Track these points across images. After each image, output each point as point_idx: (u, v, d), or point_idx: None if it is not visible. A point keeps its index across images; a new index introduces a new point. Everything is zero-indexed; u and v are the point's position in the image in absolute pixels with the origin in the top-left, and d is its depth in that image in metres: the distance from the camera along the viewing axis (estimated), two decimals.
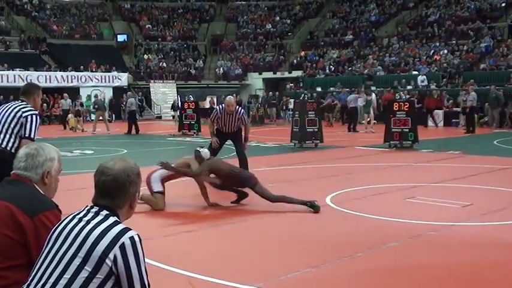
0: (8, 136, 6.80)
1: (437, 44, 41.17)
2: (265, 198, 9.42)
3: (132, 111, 28.74)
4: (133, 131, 27.60)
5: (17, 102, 7.06)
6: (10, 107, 6.95)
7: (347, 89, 33.36)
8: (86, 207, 3.07)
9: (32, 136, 6.78)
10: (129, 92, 35.55)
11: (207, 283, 5.81)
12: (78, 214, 3.04)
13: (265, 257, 6.79)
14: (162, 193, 9.67)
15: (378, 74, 39.77)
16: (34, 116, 6.86)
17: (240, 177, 9.68)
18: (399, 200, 10.02)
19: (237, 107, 13.05)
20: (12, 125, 6.79)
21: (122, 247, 2.81)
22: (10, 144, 6.79)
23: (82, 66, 42.54)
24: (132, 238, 2.86)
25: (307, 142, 19.68)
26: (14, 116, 6.81)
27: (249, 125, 13.04)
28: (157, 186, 9.68)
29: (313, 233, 7.97)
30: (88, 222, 2.93)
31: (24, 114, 6.80)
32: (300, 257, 6.69)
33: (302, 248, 7.15)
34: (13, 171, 3.52)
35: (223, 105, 12.89)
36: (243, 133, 12.82)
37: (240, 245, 7.49)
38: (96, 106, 30.94)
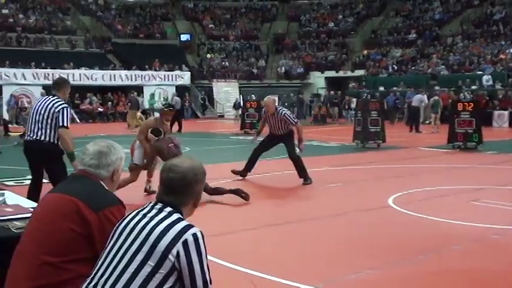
0: (44, 128, 7.61)
1: (503, 42, 40.21)
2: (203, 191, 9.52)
3: (178, 110, 29.08)
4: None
5: (49, 97, 7.84)
6: (44, 102, 7.74)
7: (412, 89, 32.94)
8: (150, 203, 3.13)
9: (66, 125, 7.61)
10: (174, 92, 36.06)
11: (267, 282, 5.84)
12: (142, 210, 3.10)
13: (325, 258, 6.78)
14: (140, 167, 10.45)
15: (442, 73, 39.10)
16: (66, 109, 7.67)
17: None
18: (463, 203, 9.87)
19: (278, 107, 12.71)
20: (47, 119, 7.60)
21: (185, 243, 2.86)
22: (47, 136, 7.62)
23: (146, 65, 43.10)
24: (195, 235, 2.91)
25: (369, 142, 19.55)
26: (49, 110, 7.61)
27: (300, 125, 12.63)
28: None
29: (374, 234, 7.93)
30: (152, 218, 2.99)
31: (57, 109, 7.59)
32: (360, 258, 6.67)
33: (363, 249, 7.12)
34: (81, 168, 3.59)
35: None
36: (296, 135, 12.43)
37: (300, 244, 7.49)
38: (129, 103, 31.21)
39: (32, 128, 7.69)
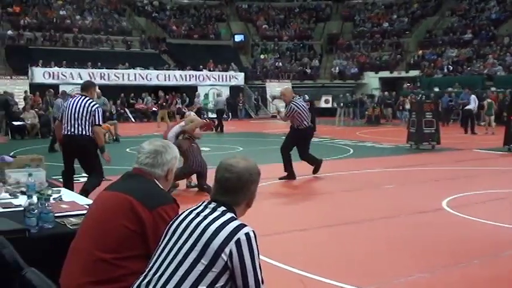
0: (82, 124, 8.82)
1: None
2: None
3: (220, 109, 29.18)
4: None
5: (82, 97, 9.04)
6: (78, 101, 8.95)
7: (467, 90, 32.47)
8: (203, 202, 3.15)
9: (100, 123, 9.08)
10: (216, 91, 36.23)
11: (318, 283, 5.84)
12: (195, 209, 3.12)
13: (377, 260, 6.74)
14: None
15: (498, 74, 38.43)
16: (99, 109, 9.06)
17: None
18: None
19: (296, 96, 13.16)
20: (85, 115, 8.82)
21: (238, 242, 2.87)
22: (84, 131, 8.83)
23: (200, 66, 43.42)
24: (247, 234, 2.91)
25: (423, 143, 19.33)
26: (85, 108, 8.85)
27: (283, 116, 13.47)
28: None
29: (427, 237, 7.85)
30: (205, 217, 3.01)
31: (93, 108, 8.90)
32: (413, 262, 6.61)
33: (416, 252, 7.05)
34: (136, 166, 3.64)
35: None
36: None
37: (351, 246, 7.47)
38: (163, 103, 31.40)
39: (72, 124, 8.82)
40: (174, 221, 3.14)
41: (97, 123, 8.94)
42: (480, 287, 5.85)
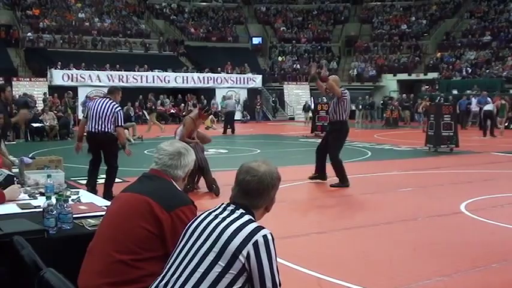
0: (105, 122, 9.84)
1: None
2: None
3: (229, 112, 29.24)
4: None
5: (106, 99, 10.08)
6: (105, 102, 10.00)
7: (485, 93, 32.32)
8: (222, 204, 3.16)
9: (121, 124, 10.08)
10: (227, 94, 36.34)
11: (336, 285, 5.83)
12: (214, 211, 3.13)
13: (395, 263, 6.72)
14: None
15: None
16: (121, 111, 10.11)
17: None
18: None
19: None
20: (109, 116, 9.86)
21: (256, 245, 2.87)
22: (107, 128, 9.83)
23: (218, 68, 43.51)
24: (265, 236, 2.91)
25: (442, 146, 19.24)
26: (110, 109, 9.89)
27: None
28: None
29: (446, 240, 7.81)
30: (224, 219, 3.01)
31: (116, 110, 9.96)
32: (431, 265, 6.58)
33: (434, 256, 7.01)
34: (155, 167, 3.65)
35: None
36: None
37: (369, 249, 7.44)
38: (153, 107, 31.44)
39: (96, 121, 9.86)
40: (192, 223, 3.15)
41: (118, 124, 9.99)
42: None
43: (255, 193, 3.12)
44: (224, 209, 3.11)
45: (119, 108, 10.10)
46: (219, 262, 2.86)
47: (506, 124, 28.49)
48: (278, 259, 3.00)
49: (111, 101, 10.05)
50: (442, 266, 6.53)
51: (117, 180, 10.21)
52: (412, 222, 8.93)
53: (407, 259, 6.90)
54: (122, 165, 10.47)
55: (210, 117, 31.75)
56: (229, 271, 2.84)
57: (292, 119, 43.61)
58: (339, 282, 5.88)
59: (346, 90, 12.30)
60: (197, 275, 2.87)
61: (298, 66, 48.98)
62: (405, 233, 8.38)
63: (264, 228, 2.97)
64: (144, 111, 37.61)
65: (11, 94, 14.76)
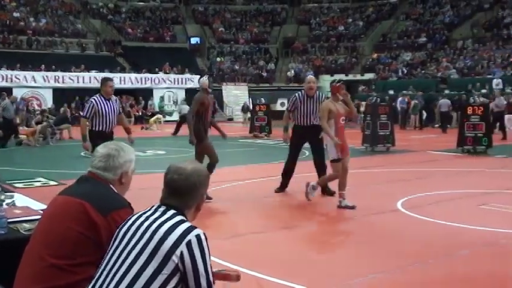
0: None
1: None
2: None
3: (184, 115, 29.30)
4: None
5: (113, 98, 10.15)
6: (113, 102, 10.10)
7: (421, 92, 33.17)
8: (153, 206, 3.14)
9: (83, 114, 10.02)
10: (182, 98, 36.48)
11: (275, 285, 5.84)
12: (145, 213, 3.11)
13: (333, 261, 6.78)
14: None
15: (452, 77, 39.06)
16: (87, 102, 10.05)
17: None
18: (472, 207, 9.82)
19: (317, 90, 11.48)
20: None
21: (189, 244, 2.87)
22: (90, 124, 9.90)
23: (156, 68, 43.23)
24: (198, 236, 2.92)
25: (378, 146, 19.54)
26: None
27: None
28: None
29: (382, 238, 7.92)
30: (155, 220, 3.00)
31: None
32: (368, 263, 6.66)
33: (371, 253, 7.11)
34: (90, 169, 3.58)
35: (302, 91, 11.36)
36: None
37: (307, 248, 7.50)
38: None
39: (113, 121, 10.05)
40: (124, 225, 3.12)
41: (82, 114, 10.20)
42: (434, 286, 5.91)
43: (183, 192, 3.11)
44: (155, 210, 3.09)
45: (90, 100, 10.11)
46: (152, 263, 2.85)
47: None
48: (217, 259, 3.01)
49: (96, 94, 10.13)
50: (379, 263, 6.63)
51: (52, 183, 10.04)
52: (349, 221, 9.03)
53: (346, 257, 6.98)
54: (56, 168, 10.29)
55: (156, 117, 31.61)
56: (162, 272, 2.84)
57: (231, 119, 43.61)
58: (278, 281, 5.90)
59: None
60: (130, 276, 2.85)
61: (237, 67, 49.01)
62: (343, 231, 8.48)
63: (196, 227, 2.98)
64: (81, 113, 37.08)
65: None
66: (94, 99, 10.00)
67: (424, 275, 6.24)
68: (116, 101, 10.36)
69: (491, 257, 6.97)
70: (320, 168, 11.19)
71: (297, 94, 11.37)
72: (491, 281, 6.10)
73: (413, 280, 6.12)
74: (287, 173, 11.42)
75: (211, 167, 10.24)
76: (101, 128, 9.90)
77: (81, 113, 10.18)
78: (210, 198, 9.89)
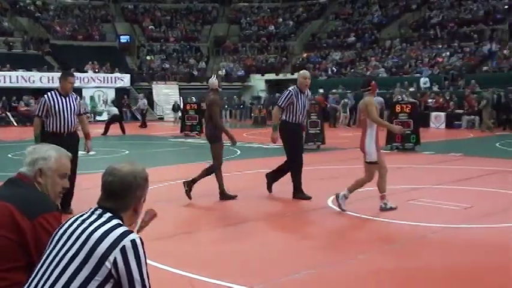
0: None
1: (440, 46, 41.17)
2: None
3: (115, 115, 29.23)
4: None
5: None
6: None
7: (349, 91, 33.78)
8: (90, 209, 3.07)
9: (36, 113, 9.36)
10: (111, 101, 36.12)
11: (208, 284, 5.81)
12: (81, 216, 3.04)
13: (264, 259, 6.78)
14: None
15: (380, 76, 39.70)
16: (40, 100, 9.33)
17: None
18: (401, 202, 9.96)
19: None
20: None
21: (123, 250, 2.81)
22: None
23: (85, 67, 42.59)
24: (133, 241, 2.86)
25: (309, 144, 19.66)
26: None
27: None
28: None
29: (314, 234, 7.98)
30: (91, 223, 2.93)
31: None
32: (300, 259, 6.69)
33: (302, 250, 7.15)
34: (19, 170, 3.50)
35: (295, 86, 10.75)
36: None
37: (238, 246, 7.49)
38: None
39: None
40: (59, 229, 3.04)
41: (35, 113, 9.39)
42: (365, 281, 5.98)
43: (118, 194, 3.04)
44: (92, 213, 3.02)
45: (42, 98, 9.31)
46: (85, 268, 2.78)
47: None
48: (148, 261, 2.94)
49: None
50: (311, 259, 6.67)
51: None
52: (280, 218, 9.06)
53: (277, 254, 6.98)
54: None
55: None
56: (95, 277, 2.77)
57: (161, 119, 43.31)
58: (211, 280, 5.87)
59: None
60: (62, 281, 2.78)
61: (167, 65, 48.69)
62: (273, 229, 8.49)
63: (132, 232, 2.92)
64: (8, 113, 36.25)
65: None
66: (46, 95, 9.25)
67: (355, 269, 6.32)
68: (76, 99, 9.51)
69: (419, 250, 7.13)
70: (284, 167, 11.14)
71: (291, 89, 10.71)
72: (419, 273, 6.20)
73: (344, 275, 6.19)
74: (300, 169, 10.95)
75: (209, 171, 10.42)
76: (54, 129, 9.09)
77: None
78: (234, 197, 10.28)
